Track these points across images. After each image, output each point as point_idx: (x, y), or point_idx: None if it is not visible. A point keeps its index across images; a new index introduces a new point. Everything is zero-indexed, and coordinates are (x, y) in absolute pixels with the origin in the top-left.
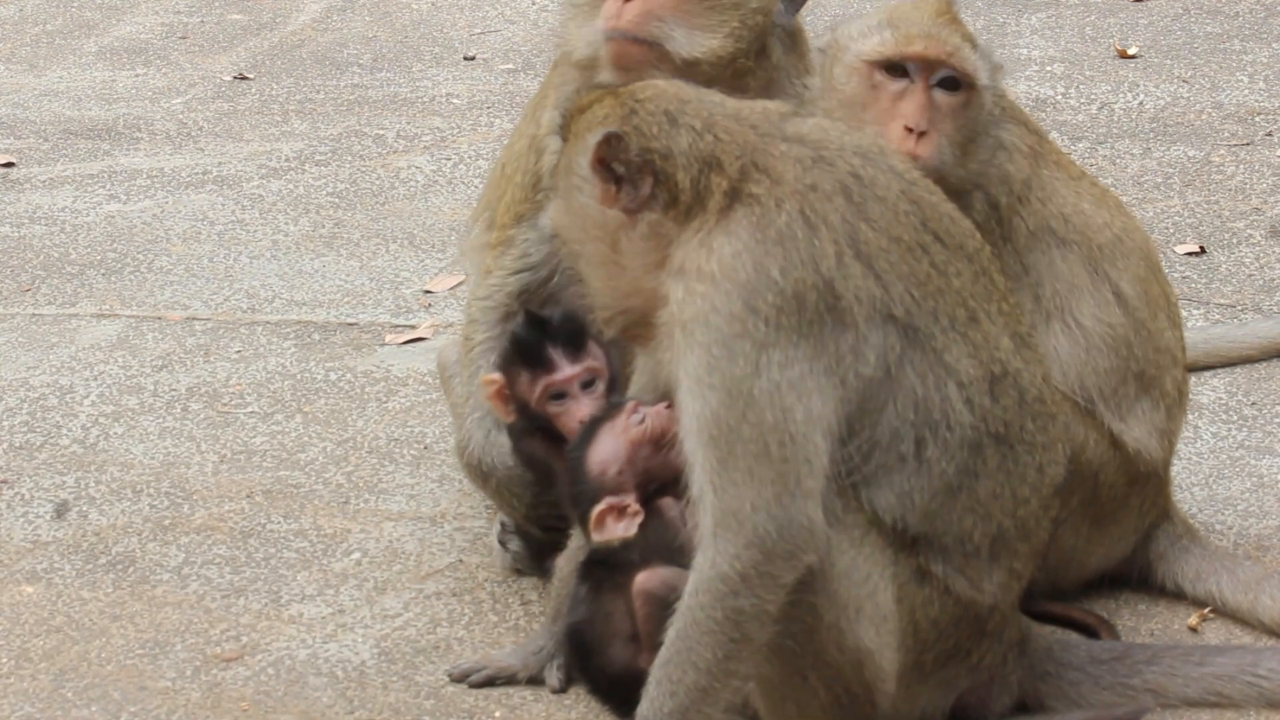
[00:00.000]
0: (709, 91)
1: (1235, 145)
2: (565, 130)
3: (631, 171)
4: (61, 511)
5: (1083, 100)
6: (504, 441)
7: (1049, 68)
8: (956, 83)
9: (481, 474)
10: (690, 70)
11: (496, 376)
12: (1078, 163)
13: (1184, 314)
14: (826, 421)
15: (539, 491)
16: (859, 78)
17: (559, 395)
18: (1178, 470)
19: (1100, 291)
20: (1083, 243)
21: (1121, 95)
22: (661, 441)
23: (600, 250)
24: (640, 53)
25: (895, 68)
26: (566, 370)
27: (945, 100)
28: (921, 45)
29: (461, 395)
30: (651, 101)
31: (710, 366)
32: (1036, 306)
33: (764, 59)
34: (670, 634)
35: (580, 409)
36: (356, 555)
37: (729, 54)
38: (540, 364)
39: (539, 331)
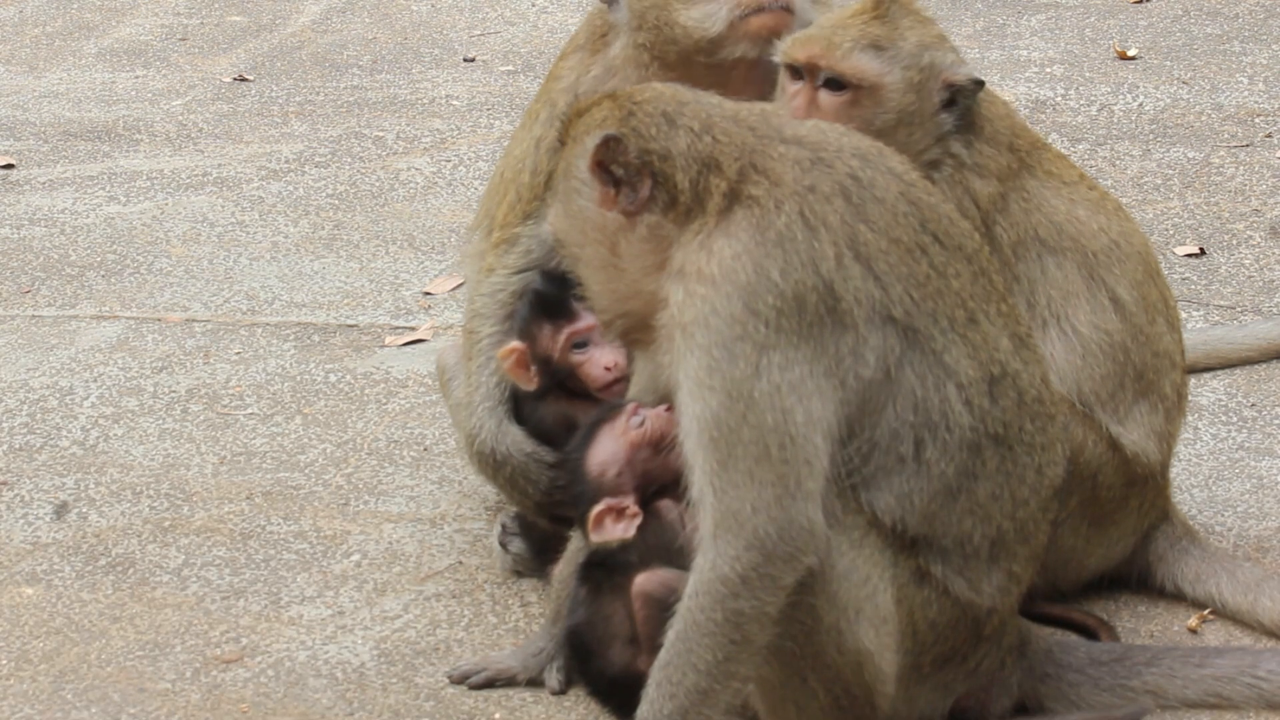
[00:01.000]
0: (707, 94)
1: (1235, 147)
2: (564, 134)
3: (630, 174)
4: (61, 512)
5: (1082, 102)
6: (516, 431)
7: (1049, 69)
8: (840, 84)
9: (494, 463)
10: None
11: (516, 344)
12: (1078, 165)
13: (1183, 315)
14: (826, 423)
15: (555, 475)
16: (780, 82)
17: (582, 344)
18: (1177, 472)
19: (1097, 298)
20: (1076, 250)
21: (1121, 97)
22: (661, 444)
23: (600, 253)
24: (789, 20)
25: (794, 70)
26: (589, 318)
27: (829, 100)
28: (796, 49)
29: (470, 387)
30: (650, 103)
31: (710, 368)
32: (1031, 314)
33: None
34: (670, 636)
35: (603, 356)
36: (356, 557)
37: None
38: (564, 314)
39: (560, 285)
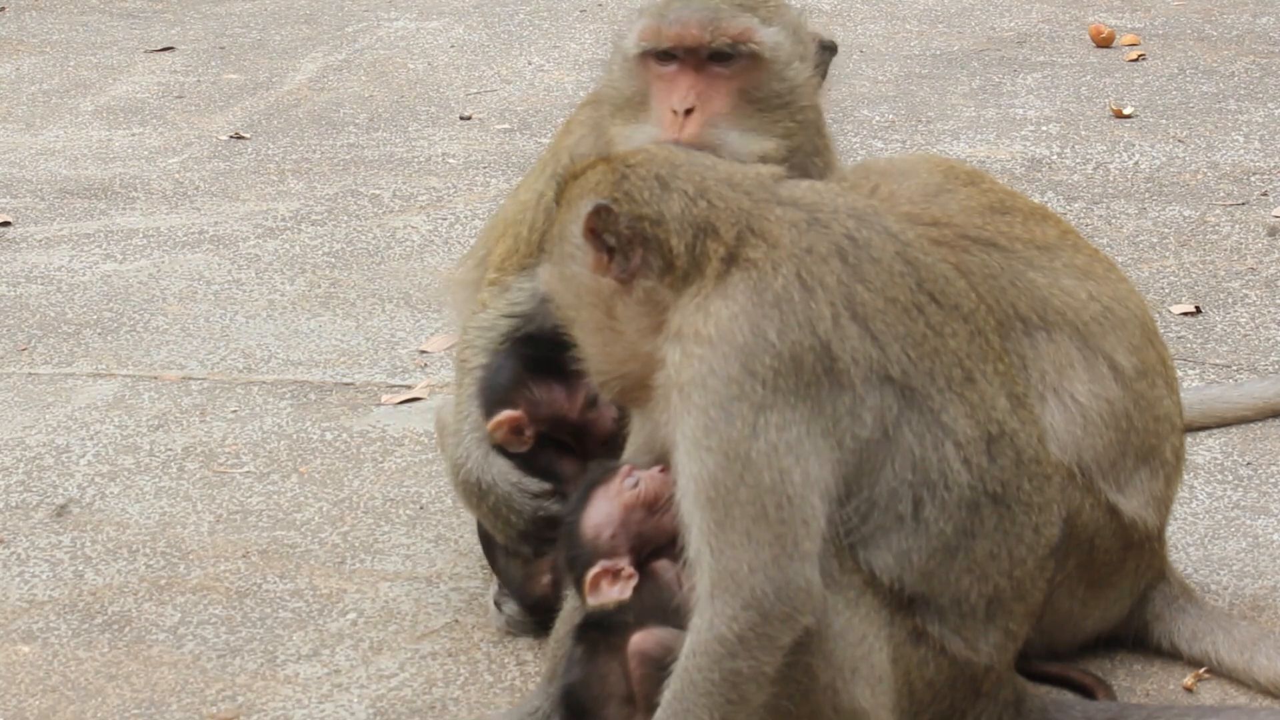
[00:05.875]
0: (702, 155)
1: (1230, 205)
2: (560, 196)
3: (622, 241)
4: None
5: (1078, 160)
6: (502, 461)
7: (1044, 128)
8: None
9: (479, 492)
10: None
11: (506, 414)
12: (1068, 222)
13: (1179, 375)
14: (824, 483)
15: (538, 505)
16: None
17: (593, 401)
18: (1173, 530)
19: (1095, 367)
20: (1065, 323)
21: (1117, 155)
22: (655, 505)
23: (595, 316)
24: None
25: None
26: None
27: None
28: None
29: (458, 416)
30: (643, 167)
31: (707, 429)
32: (1027, 389)
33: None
34: (667, 696)
35: (610, 409)
36: (352, 615)
37: (784, 152)
38: (571, 374)
39: (545, 346)
